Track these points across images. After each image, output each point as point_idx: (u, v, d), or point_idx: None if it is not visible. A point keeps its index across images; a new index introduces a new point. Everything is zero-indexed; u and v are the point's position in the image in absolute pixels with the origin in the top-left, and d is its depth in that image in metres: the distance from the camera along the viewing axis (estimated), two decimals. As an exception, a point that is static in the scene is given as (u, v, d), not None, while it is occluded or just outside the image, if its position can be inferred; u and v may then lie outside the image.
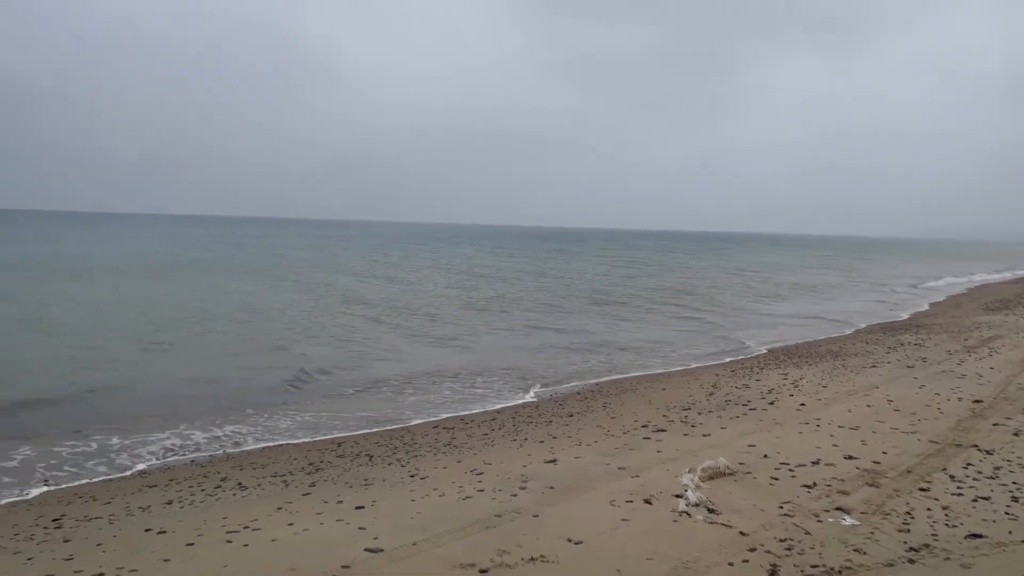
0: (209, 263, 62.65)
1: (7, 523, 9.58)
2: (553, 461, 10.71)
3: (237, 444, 13.93)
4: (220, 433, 14.54)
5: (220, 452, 13.45)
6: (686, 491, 8.45)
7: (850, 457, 10.09)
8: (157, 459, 12.99)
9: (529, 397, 18.06)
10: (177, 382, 18.77)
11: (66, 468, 12.35)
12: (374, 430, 14.86)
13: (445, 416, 16.00)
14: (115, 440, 13.78)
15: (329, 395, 18.08)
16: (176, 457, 13.13)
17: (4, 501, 10.83)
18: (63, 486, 11.56)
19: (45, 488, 11.42)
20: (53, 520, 9.47)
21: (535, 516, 7.96)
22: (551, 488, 9.09)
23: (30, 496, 11.06)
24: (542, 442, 12.53)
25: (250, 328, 28.07)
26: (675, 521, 7.73)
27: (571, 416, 15.05)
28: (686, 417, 13.82)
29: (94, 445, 13.49)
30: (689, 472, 9.09)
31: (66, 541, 8.41)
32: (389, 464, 11.81)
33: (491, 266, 71.69)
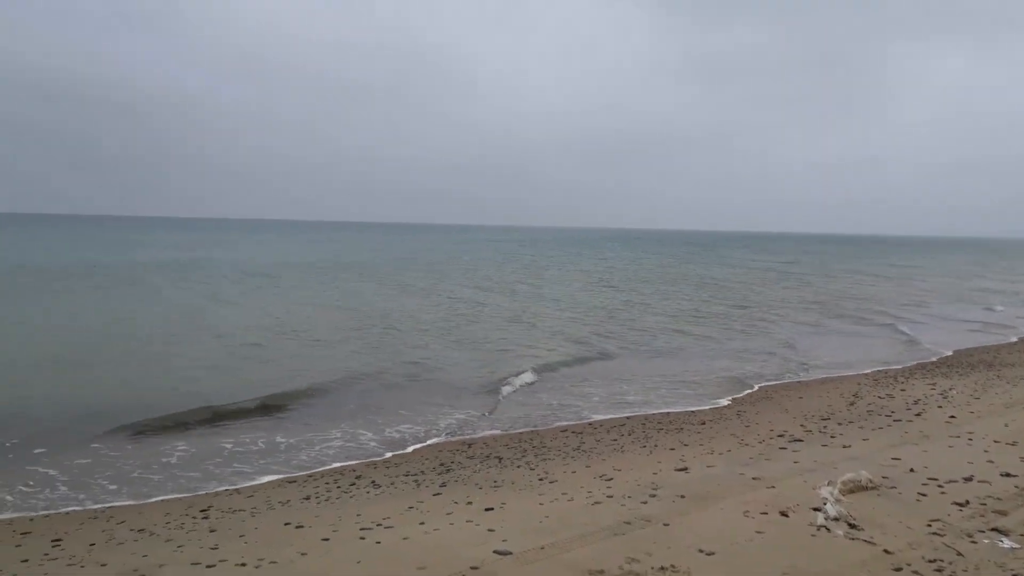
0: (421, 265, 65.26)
1: (160, 511, 10.17)
2: (684, 469, 10.47)
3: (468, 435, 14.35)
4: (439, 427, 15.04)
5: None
6: (825, 504, 8.07)
7: (1008, 475, 9.39)
8: (336, 460, 13.52)
9: (723, 403, 17.78)
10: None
11: (234, 465, 13.05)
12: (506, 432, 14.97)
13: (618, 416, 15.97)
14: (279, 439, 14.47)
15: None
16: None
17: (225, 488, 11.51)
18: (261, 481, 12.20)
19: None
20: (201, 511, 9.97)
21: (665, 525, 7.79)
22: (682, 497, 8.88)
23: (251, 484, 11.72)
24: (672, 449, 12.30)
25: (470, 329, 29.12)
26: (813, 536, 7.39)
27: (703, 424, 14.71)
28: (825, 427, 13.26)
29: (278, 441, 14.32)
30: (828, 485, 8.68)
31: (212, 531, 8.84)
32: (518, 467, 11.85)
33: (681, 273, 70.48)
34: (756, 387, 19.36)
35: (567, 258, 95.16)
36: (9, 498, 11.05)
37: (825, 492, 8.42)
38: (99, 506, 10.81)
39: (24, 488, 11.44)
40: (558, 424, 15.65)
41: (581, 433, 14.51)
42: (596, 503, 8.85)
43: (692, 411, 16.64)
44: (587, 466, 11.44)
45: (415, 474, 11.75)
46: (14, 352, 22.25)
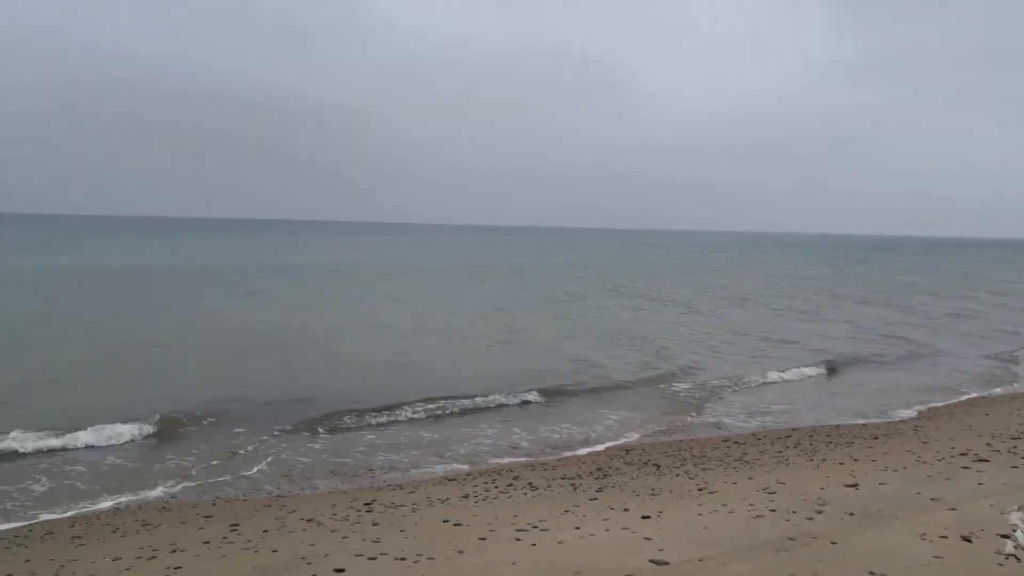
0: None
1: (328, 503, 10.61)
2: (854, 485, 9.92)
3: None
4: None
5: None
6: (1015, 531, 7.42)
7: None
8: (493, 456, 13.80)
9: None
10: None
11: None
12: (664, 439, 14.71)
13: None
14: (438, 435, 14.89)
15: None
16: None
17: (388, 483, 12.04)
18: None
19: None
20: (365, 504, 10.33)
21: (833, 543, 7.38)
22: (851, 514, 8.40)
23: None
24: (842, 464, 11.68)
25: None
26: (1001, 564, 6.79)
27: (875, 439, 13.91)
28: (1015, 447, 12.23)
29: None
30: (1020, 510, 7.98)
31: (375, 524, 9.13)
32: (677, 475, 11.60)
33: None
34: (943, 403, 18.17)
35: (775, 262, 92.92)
36: (191, 484, 11.90)
37: (1015, 518, 7.74)
38: (273, 494, 11.43)
39: (206, 468, 12.31)
40: (720, 434, 15.22)
41: (744, 444, 14.04)
42: (758, 516, 8.51)
43: (863, 424, 15.78)
44: (749, 478, 11.05)
45: (572, 478, 11.72)
46: (219, 346, 24.25)
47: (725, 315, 36.61)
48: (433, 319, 32.18)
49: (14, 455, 12.99)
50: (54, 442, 13.48)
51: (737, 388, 19.95)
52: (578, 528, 8.40)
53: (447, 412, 16.73)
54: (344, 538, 8.49)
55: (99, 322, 28.68)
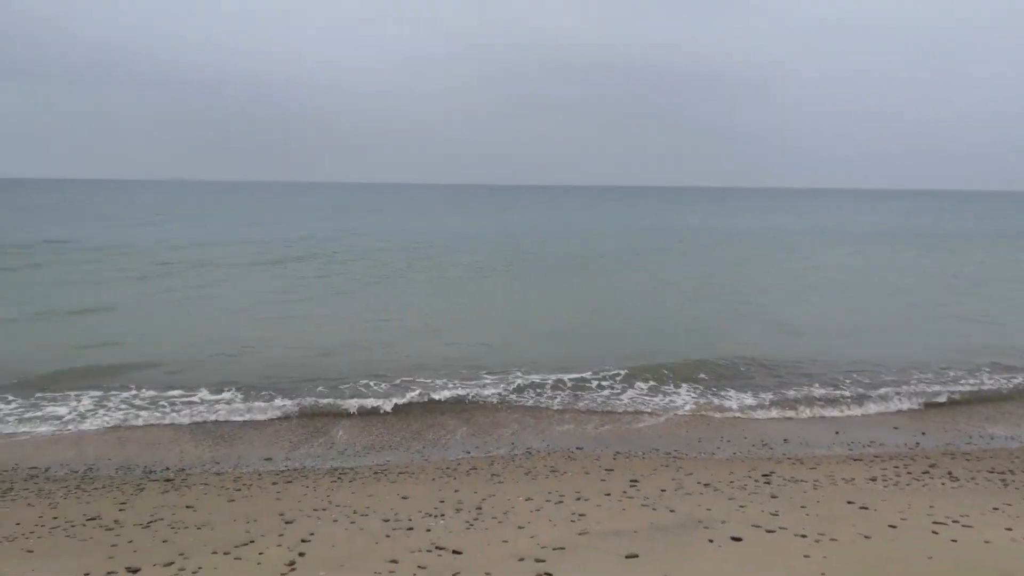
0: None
1: (725, 469, 10.55)
2: None
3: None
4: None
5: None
6: None
7: None
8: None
9: None
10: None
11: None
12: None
13: None
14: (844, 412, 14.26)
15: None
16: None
17: (788, 456, 11.99)
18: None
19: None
20: (763, 475, 10.10)
21: None
22: None
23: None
24: None
25: None
26: None
27: None
28: None
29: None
30: None
31: (773, 497, 8.88)
32: None
33: None
34: None
35: None
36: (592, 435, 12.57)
37: None
38: (671, 454, 11.65)
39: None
40: None
41: None
42: None
43: None
44: None
45: (1002, 472, 10.39)
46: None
47: None
48: None
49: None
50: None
51: None
52: (1010, 530, 7.41)
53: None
54: (741, 507, 8.38)
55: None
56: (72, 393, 14.22)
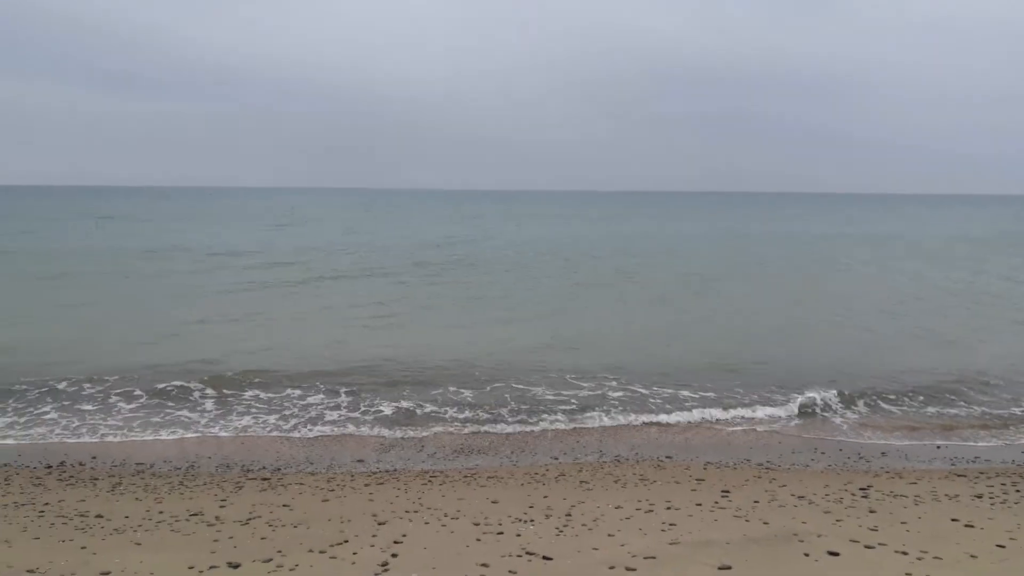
0: None
1: (820, 482, 10.27)
2: None
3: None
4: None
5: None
6: None
7: None
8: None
9: None
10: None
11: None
12: None
13: None
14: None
15: None
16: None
17: (886, 469, 11.70)
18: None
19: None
20: (860, 489, 9.79)
21: None
22: None
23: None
24: None
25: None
26: None
27: None
28: None
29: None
30: None
31: (871, 512, 8.59)
32: None
33: None
34: None
35: None
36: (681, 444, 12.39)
37: None
38: (763, 465, 11.42)
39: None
40: None
41: None
42: None
43: None
44: None
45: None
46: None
47: None
48: None
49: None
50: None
51: None
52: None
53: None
54: (838, 521, 8.15)
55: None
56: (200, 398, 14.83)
